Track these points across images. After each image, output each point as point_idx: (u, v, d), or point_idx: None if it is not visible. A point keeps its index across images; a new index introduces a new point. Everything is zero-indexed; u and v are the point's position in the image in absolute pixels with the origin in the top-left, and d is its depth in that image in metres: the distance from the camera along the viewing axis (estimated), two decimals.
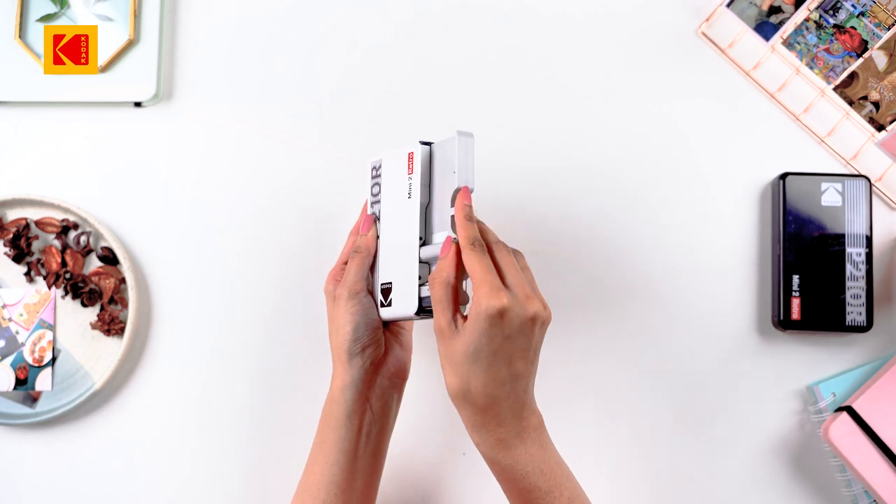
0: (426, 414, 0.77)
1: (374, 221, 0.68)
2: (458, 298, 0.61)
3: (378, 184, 0.69)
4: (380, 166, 0.69)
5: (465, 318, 0.59)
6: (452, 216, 0.62)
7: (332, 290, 0.67)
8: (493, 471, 0.63)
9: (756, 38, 0.78)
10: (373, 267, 0.67)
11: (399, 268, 0.65)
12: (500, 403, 0.59)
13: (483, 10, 0.81)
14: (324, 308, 0.78)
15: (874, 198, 0.78)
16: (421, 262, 0.64)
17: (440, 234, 0.64)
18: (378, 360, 0.66)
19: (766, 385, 0.77)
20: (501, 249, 0.61)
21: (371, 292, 0.67)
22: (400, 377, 0.69)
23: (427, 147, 0.66)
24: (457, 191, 0.62)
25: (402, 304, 0.64)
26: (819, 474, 0.76)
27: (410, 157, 0.66)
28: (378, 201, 0.68)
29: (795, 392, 0.77)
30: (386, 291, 0.66)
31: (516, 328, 0.58)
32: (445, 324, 0.59)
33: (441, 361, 0.60)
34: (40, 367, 0.78)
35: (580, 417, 0.76)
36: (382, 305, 0.66)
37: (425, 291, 0.63)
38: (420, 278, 0.64)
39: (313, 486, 0.65)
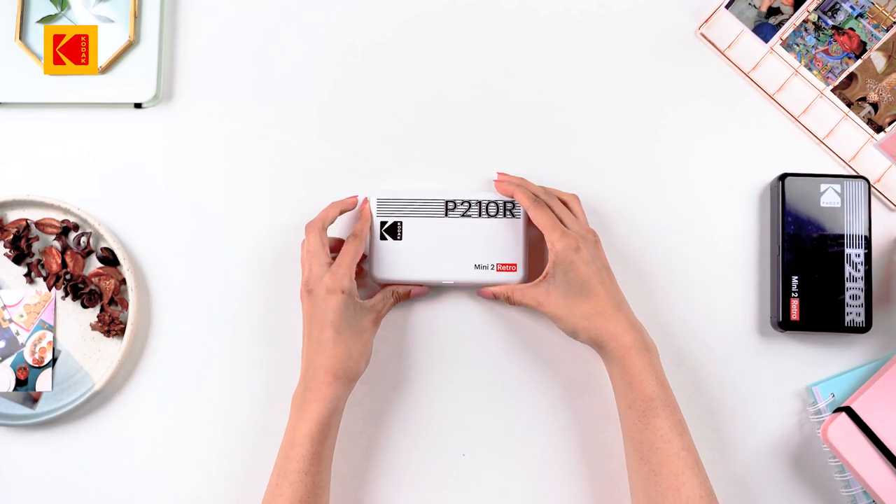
0: (426, 415, 0.77)
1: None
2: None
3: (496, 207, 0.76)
4: (515, 208, 0.76)
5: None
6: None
7: (319, 287, 0.70)
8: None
9: (755, 40, 0.78)
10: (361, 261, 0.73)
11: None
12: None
13: (482, 11, 0.81)
14: None
15: (873, 199, 0.78)
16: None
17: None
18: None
19: (765, 386, 0.77)
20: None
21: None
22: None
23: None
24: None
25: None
26: (818, 475, 0.76)
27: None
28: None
29: (794, 392, 0.77)
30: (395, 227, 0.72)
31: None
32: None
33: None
34: (40, 368, 0.78)
35: (580, 417, 0.77)
36: (383, 238, 0.73)
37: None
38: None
39: None
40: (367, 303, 0.72)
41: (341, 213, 0.74)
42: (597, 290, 0.68)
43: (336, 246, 0.74)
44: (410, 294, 0.75)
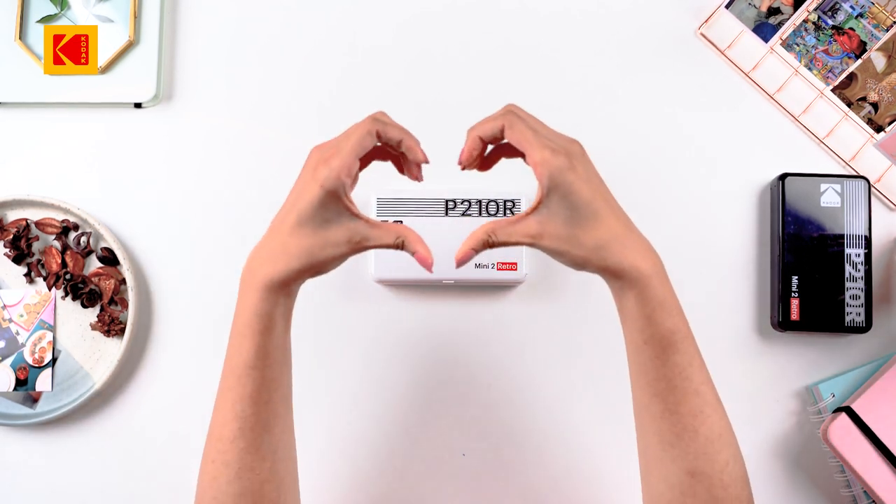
0: (426, 414, 0.77)
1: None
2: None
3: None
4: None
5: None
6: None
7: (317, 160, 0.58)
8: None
9: (755, 40, 0.78)
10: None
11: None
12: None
13: (482, 11, 0.81)
14: (324, 308, 0.78)
15: (873, 199, 0.78)
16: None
17: None
18: None
19: (765, 386, 0.77)
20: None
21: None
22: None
23: None
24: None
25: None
26: (818, 475, 0.76)
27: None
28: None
29: (794, 393, 0.77)
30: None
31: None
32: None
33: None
34: (40, 368, 0.78)
35: (579, 417, 0.77)
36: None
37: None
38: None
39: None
40: (356, 218, 0.58)
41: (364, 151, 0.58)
42: (603, 211, 0.57)
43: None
44: (417, 258, 0.60)
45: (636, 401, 0.60)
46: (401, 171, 0.62)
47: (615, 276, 0.58)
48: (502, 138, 0.59)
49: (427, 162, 0.59)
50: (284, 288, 0.59)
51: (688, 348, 0.58)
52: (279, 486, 0.59)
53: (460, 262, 0.59)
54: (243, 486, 0.58)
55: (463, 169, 0.60)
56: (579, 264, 0.59)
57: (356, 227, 0.58)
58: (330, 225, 0.57)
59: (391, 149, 0.60)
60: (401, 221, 0.75)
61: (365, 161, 0.61)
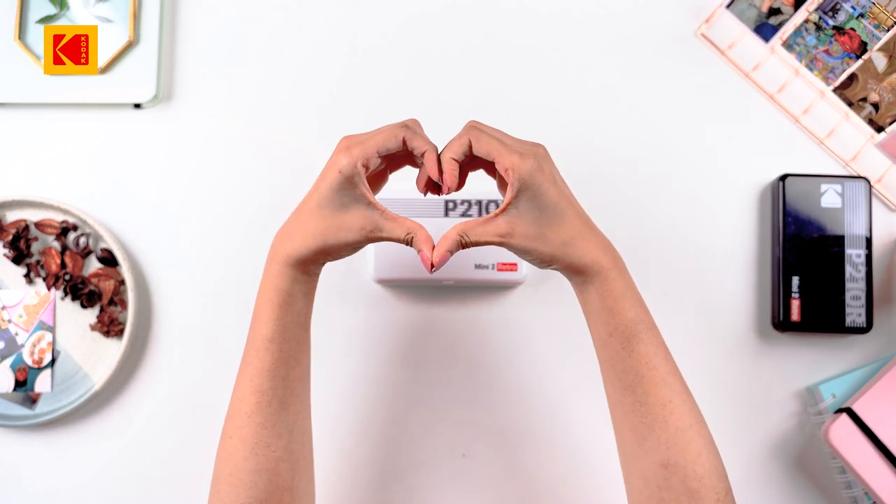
0: (426, 415, 0.77)
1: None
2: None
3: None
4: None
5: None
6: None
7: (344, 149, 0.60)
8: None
9: (756, 40, 0.78)
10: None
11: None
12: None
13: (482, 11, 0.81)
14: (323, 308, 0.77)
15: (874, 199, 0.78)
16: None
17: None
18: None
19: (765, 387, 0.77)
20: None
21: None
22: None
23: None
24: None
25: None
26: (819, 476, 0.76)
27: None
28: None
29: (795, 393, 0.77)
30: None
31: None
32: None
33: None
34: (40, 369, 0.78)
35: (579, 417, 0.76)
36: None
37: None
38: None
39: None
40: (372, 207, 0.60)
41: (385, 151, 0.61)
42: (567, 211, 0.60)
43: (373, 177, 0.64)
44: (420, 257, 0.61)
45: (609, 398, 0.63)
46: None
47: (578, 271, 0.61)
48: (471, 154, 0.61)
49: (439, 181, 0.61)
50: (302, 266, 0.61)
51: (652, 339, 0.61)
52: (294, 465, 0.60)
53: (438, 265, 0.60)
54: (259, 462, 0.59)
55: (448, 192, 0.62)
56: (546, 261, 0.61)
57: (371, 216, 0.60)
58: (347, 210, 0.60)
59: (415, 158, 0.62)
60: None
61: (396, 164, 0.65)
